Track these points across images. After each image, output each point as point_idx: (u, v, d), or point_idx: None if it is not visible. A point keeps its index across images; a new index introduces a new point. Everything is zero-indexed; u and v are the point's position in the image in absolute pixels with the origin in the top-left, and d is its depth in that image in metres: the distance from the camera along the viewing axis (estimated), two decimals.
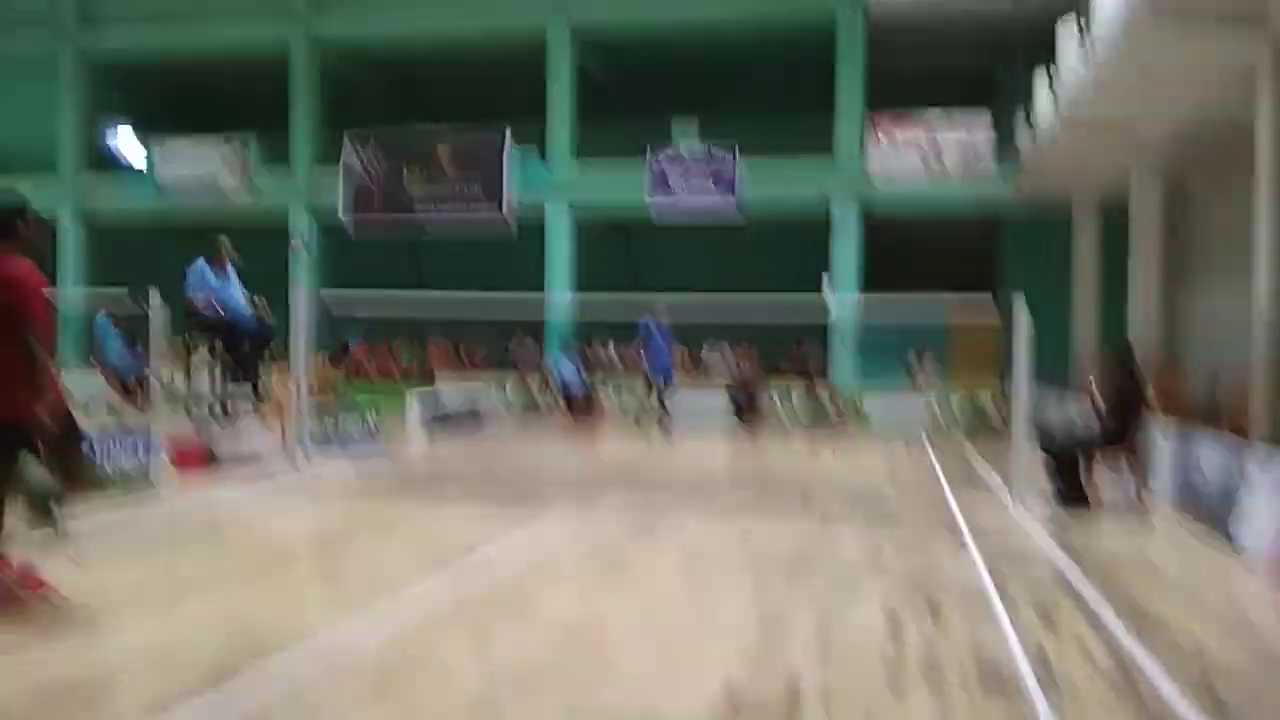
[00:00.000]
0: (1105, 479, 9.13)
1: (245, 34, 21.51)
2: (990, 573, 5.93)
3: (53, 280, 21.97)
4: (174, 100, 24.95)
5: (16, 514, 4.88)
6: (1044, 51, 14.52)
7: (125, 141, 24.51)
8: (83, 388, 21.34)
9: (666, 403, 14.55)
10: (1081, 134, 13.32)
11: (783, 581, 5.57)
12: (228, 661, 4.01)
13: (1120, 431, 8.28)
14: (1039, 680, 4.00)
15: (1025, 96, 16.98)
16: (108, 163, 23.68)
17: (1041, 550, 6.68)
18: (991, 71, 21.11)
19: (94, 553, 6.02)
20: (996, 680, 4.02)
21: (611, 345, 20.58)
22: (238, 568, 5.71)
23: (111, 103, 23.93)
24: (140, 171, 22.45)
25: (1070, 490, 8.36)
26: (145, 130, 23.84)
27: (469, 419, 16.07)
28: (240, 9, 21.46)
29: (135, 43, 22.29)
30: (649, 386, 14.47)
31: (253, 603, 4.97)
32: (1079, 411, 10.50)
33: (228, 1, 21.49)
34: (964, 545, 6.80)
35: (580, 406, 18.18)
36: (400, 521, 7.12)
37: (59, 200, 22.56)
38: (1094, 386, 10.45)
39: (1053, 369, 16.74)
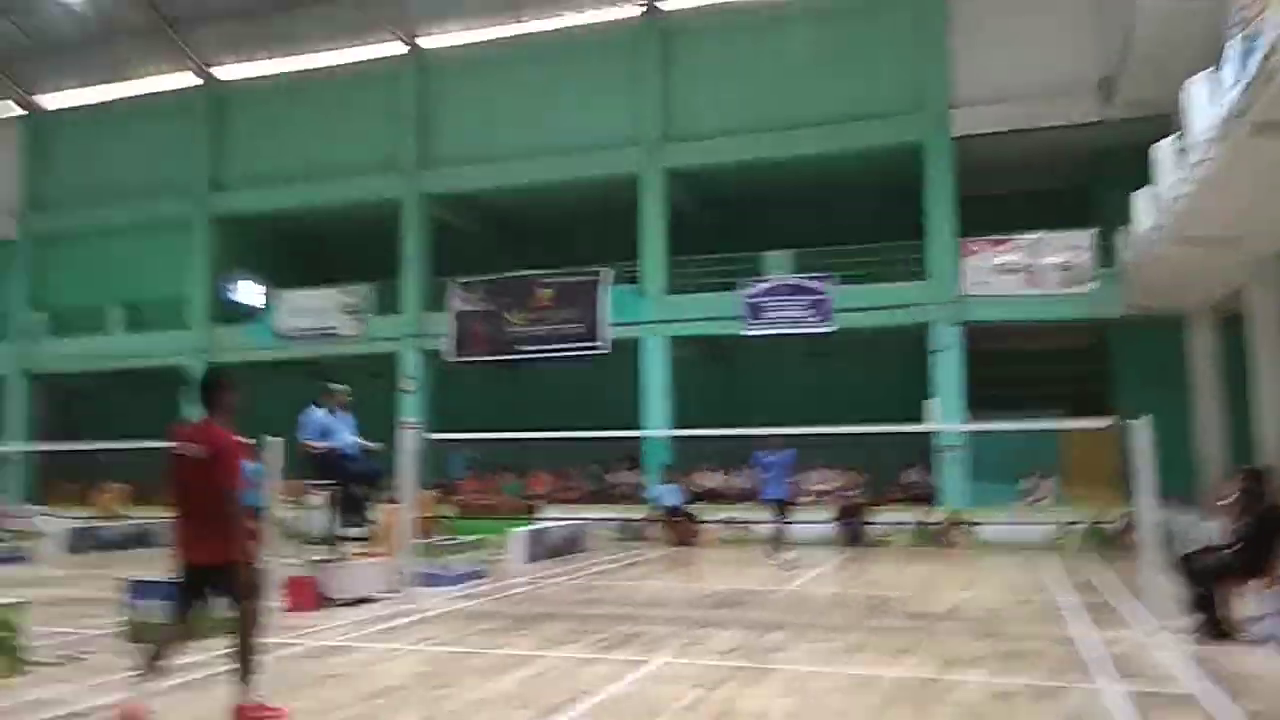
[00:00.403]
0: (1252, 610, 8.52)
1: (358, 191, 23.02)
2: (1138, 714, 5.51)
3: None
4: (296, 254, 26.64)
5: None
6: (1141, 165, 14.38)
7: (247, 292, 26.16)
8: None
9: (782, 530, 14.12)
10: (1186, 250, 12.98)
11: None
12: None
13: (1262, 560, 7.72)
14: None
15: (1124, 211, 16.74)
16: (232, 314, 25.27)
17: (1184, 689, 6.19)
18: (1087, 187, 20.97)
19: (206, 693, 6.14)
20: None
21: (717, 472, 20.48)
22: (344, 714, 5.72)
23: (239, 259, 25.69)
24: (262, 321, 23.82)
25: (1212, 623, 7.80)
26: (269, 282, 25.45)
27: (573, 549, 16.06)
28: (354, 169, 23.04)
29: (258, 204, 24.06)
30: (774, 513, 14.04)
31: None
32: (1214, 536, 9.87)
33: (343, 164, 23.11)
34: (1100, 686, 6.36)
35: (684, 532, 18.05)
36: (507, 665, 7.06)
37: (190, 350, 24.07)
38: (1227, 508, 9.86)
39: (1177, 488, 15.89)
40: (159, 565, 14.68)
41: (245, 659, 5.42)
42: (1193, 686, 6.27)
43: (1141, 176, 14.34)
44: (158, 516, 21.28)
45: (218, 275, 24.97)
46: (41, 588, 12.17)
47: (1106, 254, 18.17)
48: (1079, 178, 21.09)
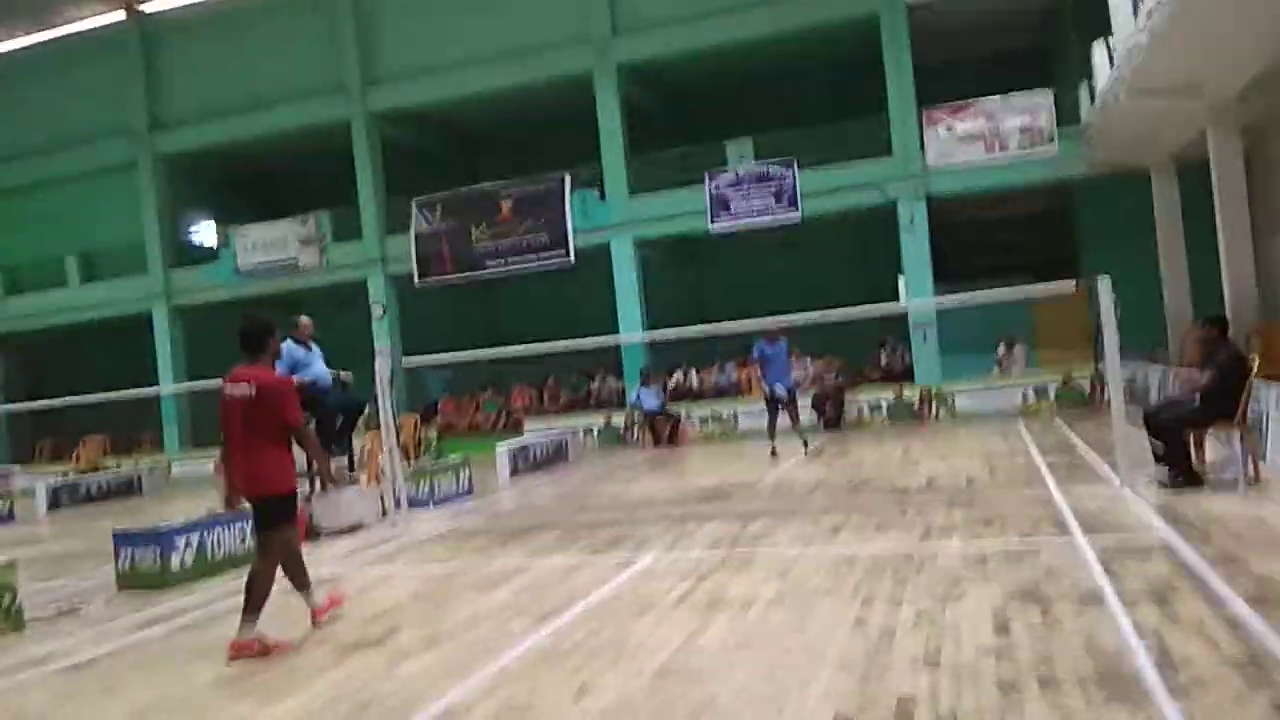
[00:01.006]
0: (1217, 455, 8.75)
1: (304, 116, 22.36)
2: (1102, 566, 5.71)
3: (152, 372, 23.12)
4: (247, 188, 26.07)
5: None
6: (1098, 20, 14.13)
7: (205, 233, 25.69)
8: (190, 472, 22.36)
9: (799, 415, 14.12)
10: (1147, 101, 12.86)
11: (887, 602, 5.44)
12: None
13: (1227, 405, 7.89)
14: (1163, 677, 3.82)
15: (1084, 68, 16.53)
16: (190, 255, 24.80)
17: (1156, 536, 6.40)
18: (1045, 47, 20.66)
19: (211, 628, 6.25)
20: (1118, 683, 3.85)
21: (693, 371, 20.60)
22: (345, 639, 5.83)
23: (189, 198, 25.10)
24: (221, 259, 23.43)
25: (1180, 470, 8.02)
26: (223, 219, 24.95)
27: (558, 460, 16.24)
28: (298, 94, 22.34)
29: (202, 139, 23.37)
30: (771, 405, 14.01)
31: (363, 674, 5.07)
32: (1181, 386, 10.06)
33: (286, 90, 22.39)
34: (1073, 539, 6.56)
35: (666, 432, 18.30)
36: (500, 579, 7.19)
37: (151, 296, 23.71)
38: (1192, 358, 10.04)
39: (1146, 341, 16.14)
40: (144, 513, 14.84)
41: (258, 590, 5.74)
42: (1160, 534, 6.47)
43: (1099, 31, 14.12)
44: (136, 465, 21.38)
45: (171, 216, 24.42)
46: (29, 545, 12.25)
47: (1068, 112, 18.02)
48: (1037, 37, 20.75)
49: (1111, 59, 14.55)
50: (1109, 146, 16.45)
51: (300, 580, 6.05)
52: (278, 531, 5.84)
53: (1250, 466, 7.90)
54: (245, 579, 5.82)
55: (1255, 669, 3.86)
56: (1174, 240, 16.83)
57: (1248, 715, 3.45)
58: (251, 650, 5.55)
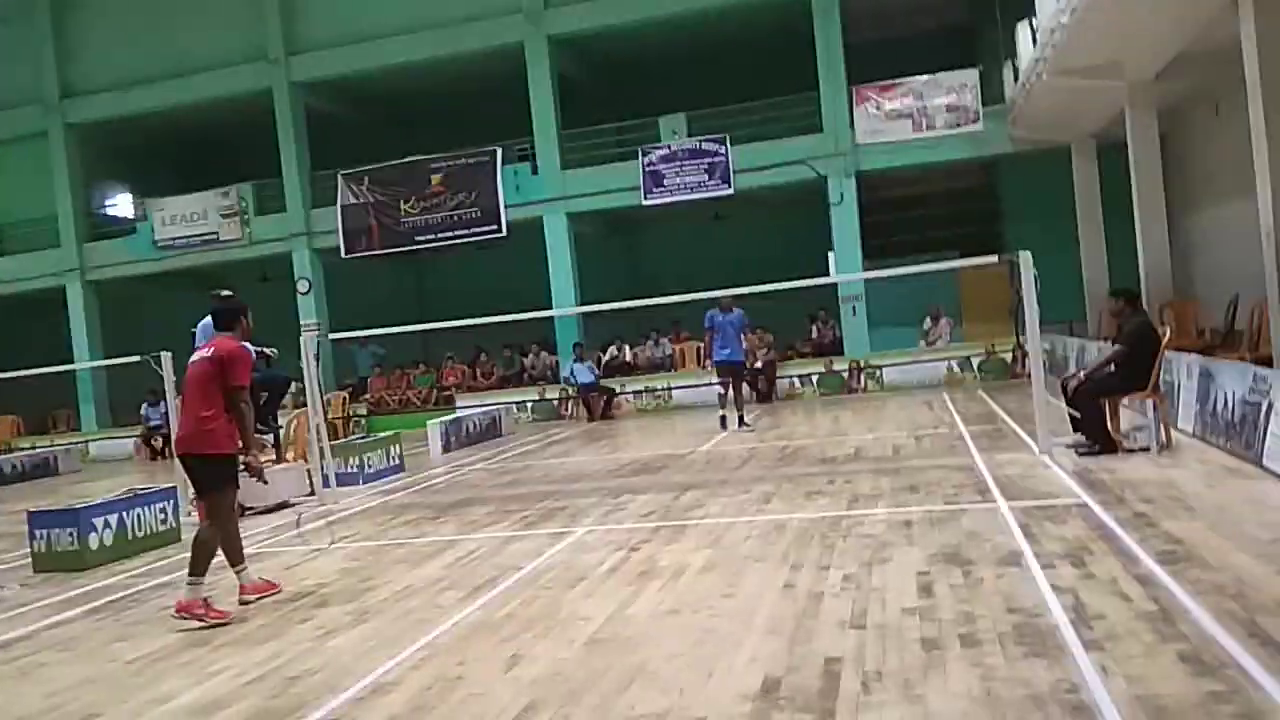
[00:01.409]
0: (1131, 422, 9.07)
1: (225, 85, 21.65)
2: (1022, 529, 5.88)
3: (67, 349, 22.31)
4: (167, 159, 25.20)
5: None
6: (1023, 0, 14.39)
7: (122, 205, 24.82)
8: (109, 451, 21.68)
9: (742, 389, 14.02)
10: (1068, 80, 13.17)
11: (815, 567, 5.54)
12: (271, 709, 4.06)
13: (1140, 374, 8.18)
14: (1078, 633, 3.96)
15: (1009, 47, 16.84)
16: (107, 228, 23.93)
17: (1073, 500, 6.62)
18: (971, 27, 21.00)
19: (132, 608, 6.10)
20: (1036, 639, 3.98)
21: (626, 346, 20.61)
22: (271, 615, 5.74)
23: (105, 169, 24.17)
24: (139, 232, 22.66)
25: (1096, 438, 8.30)
26: (141, 191, 24.10)
27: (491, 435, 16.15)
28: (218, 61, 21.61)
29: (117, 108, 22.47)
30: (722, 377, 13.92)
31: (290, 649, 4.99)
32: (1096, 356, 10.39)
33: (206, 57, 21.64)
34: (994, 504, 6.76)
35: (600, 407, 18.32)
36: (431, 553, 7.14)
37: (64, 270, 22.84)
38: (1109, 332, 10.36)
39: (1065, 314, 16.63)
40: (58, 494, 14.35)
41: (203, 552, 5.83)
42: (1077, 498, 6.70)
43: (1024, 12, 14.38)
44: (51, 445, 20.68)
45: (86, 188, 23.50)
46: None
47: (993, 91, 18.37)
48: (963, 17, 21.07)
49: (1035, 39, 14.86)
50: (1031, 125, 16.83)
51: (234, 556, 6.09)
52: (220, 495, 6.00)
53: (1162, 433, 8.21)
54: (191, 543, 5.97)
55: (1165, 623, 4.02)
56: (1093, 217, 17.35)
57: (1158, 665, 3.60)
58: (197, 611, 5.62)
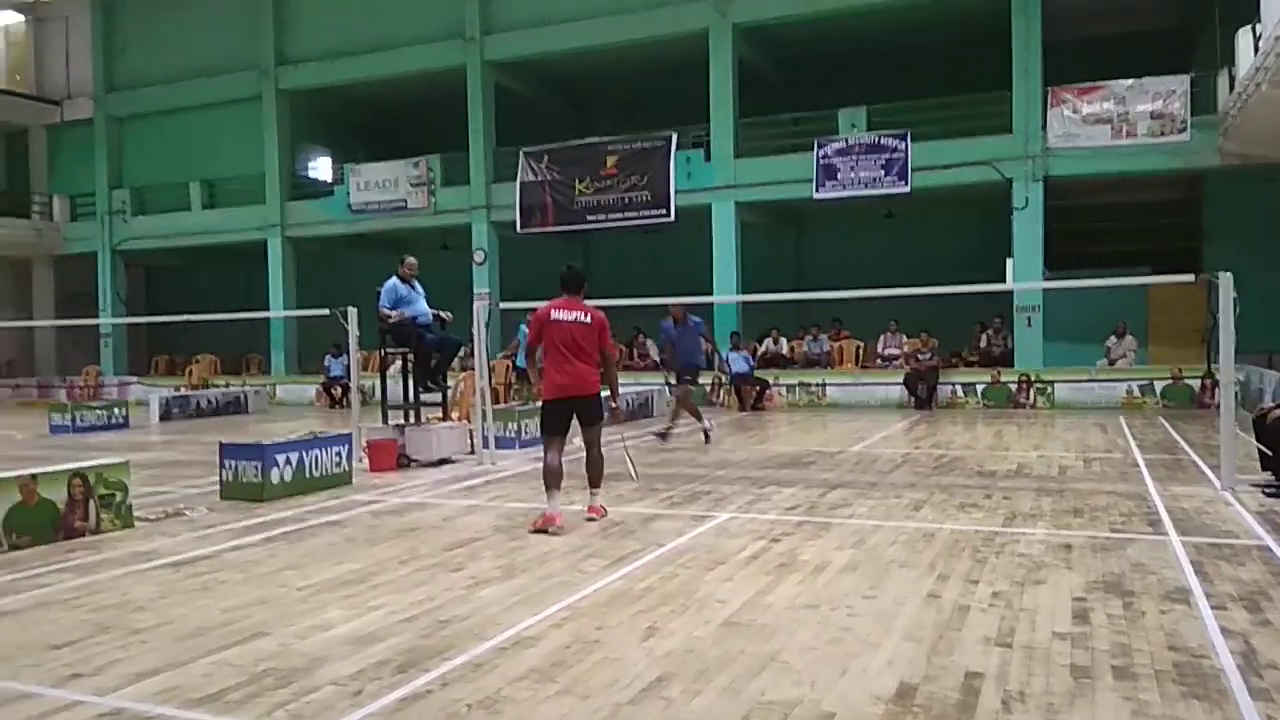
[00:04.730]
0: None
1: (423, 60, 22.72)
2: (1194, 566, 5.53)
3: (264, 299, 24.13)
4: (364, 127, 26.75)
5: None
6: (1245, 5, 13.33)
7: (322, 168, 26.48)
8: (293, 395, 23.28)
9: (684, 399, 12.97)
10: None
11: (963, 580, 5.39)
12: (422, 646, 4.32)
13: None
14: (1245, 679, 3.71)
15: (1225, 54, 15.64)
16: (307, 189, 25.60)
17: (1253, 541, 6.16)
18: (1183, 30, 19.61)
19: (304, 540, 6.58)
20: (1197, 681, 3.75)
21: (783, 339, 20.45)
22: (429, 560, 6.07)
23: (309, 134, 25.85)
24: (335, 195, 24.13)
25: None
26: (339, 157, 25.66)
27: (642, 416, 16.38)
28: (418, 38, 22.69)
29: (325, 77, 23.97)
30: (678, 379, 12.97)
31: (443, 595, 5.27)
32: None
33: (408, 33, 22.77)
34: (1164, 536, 6.37)
35: (752, 397, 18.27)
36: (576, 520, 7.35)
37: (268, 225, 24.61)
38: None
39: (1266, 344, 15.39)
40: (246, 430, 15.54)
41: (598, 469, 7.46)
42: (1259, 539, 6.23)
43: (1246, 15, 13.33)
44: (244, 385, 22.37)
45: (291, 150, 25.22)
46: (141, 451, 13.00)
47: (1205, 100, 17.11)
48: (1175, 20, 19.69)
49: (1257, 47, 13.72)
50: (1245, 139, 15.58)
51: (595, 479, 7.48)
52: (598, 425, 7.36)
53: None
54: (585, 466, 7.44)
55: None
56: None
57: None
58: (601, 513, 7.40)
